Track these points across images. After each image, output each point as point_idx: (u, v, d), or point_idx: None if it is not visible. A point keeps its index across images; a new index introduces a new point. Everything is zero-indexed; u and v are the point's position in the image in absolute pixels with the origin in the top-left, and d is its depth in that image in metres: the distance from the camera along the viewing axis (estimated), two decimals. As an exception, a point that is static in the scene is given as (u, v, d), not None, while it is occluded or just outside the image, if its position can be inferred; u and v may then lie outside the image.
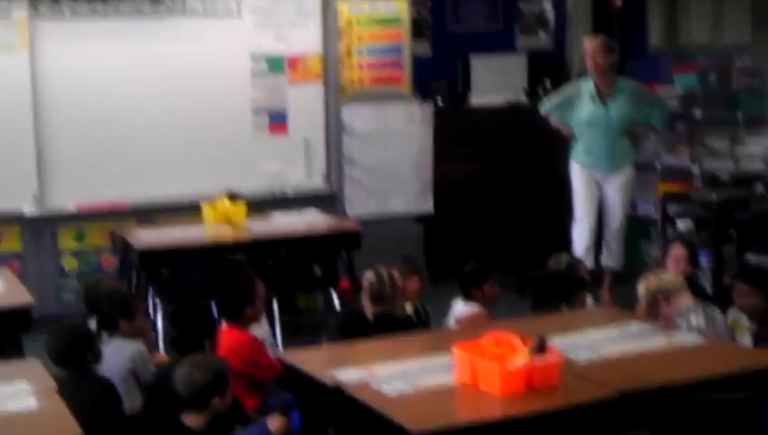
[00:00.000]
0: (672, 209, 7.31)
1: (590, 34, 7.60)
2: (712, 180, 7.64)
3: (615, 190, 7.27)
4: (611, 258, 7.34)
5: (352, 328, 4.80)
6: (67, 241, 7.52)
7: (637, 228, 8.22)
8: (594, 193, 7.30)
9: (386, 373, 3.90)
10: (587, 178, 7.31)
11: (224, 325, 5.10)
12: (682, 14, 8.58)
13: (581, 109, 7.22)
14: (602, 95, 7.14)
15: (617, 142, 7.21)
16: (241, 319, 5.07)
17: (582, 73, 7.48)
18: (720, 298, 5.77)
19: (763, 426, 3.89)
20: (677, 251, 5.96)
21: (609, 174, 7.24)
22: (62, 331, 4.48)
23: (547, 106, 7.49)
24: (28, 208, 7.35)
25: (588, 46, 7.19)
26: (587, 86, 7.21)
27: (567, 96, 7.37)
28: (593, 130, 7.19)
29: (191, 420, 3.96)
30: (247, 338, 5.03)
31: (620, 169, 7.25)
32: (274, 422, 4.49)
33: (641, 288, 5.11)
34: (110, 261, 7.43)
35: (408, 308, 5.34)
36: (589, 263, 6.88)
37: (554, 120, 7.45)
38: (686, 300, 4.99)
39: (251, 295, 5.12)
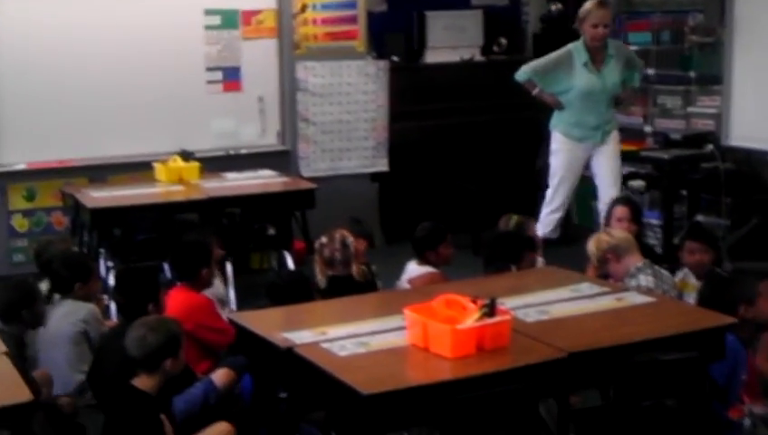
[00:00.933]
0: (624, 169, 7.34)
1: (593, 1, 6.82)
2: (664, 140, 7.64)
3: (608, 158, 6.90)
4: None
5: (292, 291, 4.77)
6: (17, 200, 7.47)
7: (589, 188, 8.27)
8: (577, 175, 6.94)
9: (338, 335, 3.90)
10: (574, 158, 6.87)
11: (177, 286, 5.10)
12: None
13: (575, 78, 6.73)
14: (596, 62, 6.73)
15: (608, 110, 6.89)
16: (195, 280, 5.07)
17: (544, 34, 7.28)
18: (670, 258, 5.85)
19: (708, 385, 3.98)
20: (619, 210, 5.93)
21: (600, 144, 6.87)
22: (7, 286, 4.65)
23: (527, 72, 6.89)
24: (-24, 166, 7.31)
25: (593, 14, 6.63)
26: (578, 53, 6.72)
27: (554, 63, 6.82)
28: (588, 101, 6.76)
29: (142, 382, 3.96)
30: (201, 300, 5.02)
31: (610, 136, 6.92)
32: (219, 376, 4.51)
33: (591, 246, 5.16)
34: (60, 221, 7.41)
35: (354, 269, 5.28)
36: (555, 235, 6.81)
37: (537, 91, 6.89)
38: (635, 259, 5.06)
39: (207, 256, 5.12)
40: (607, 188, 6.87)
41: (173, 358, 3.98)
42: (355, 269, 5.20)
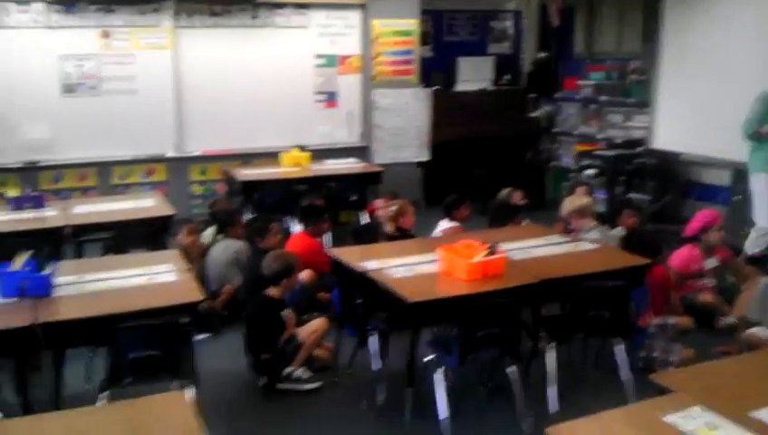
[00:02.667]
0: (583, 162, 7.26)
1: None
2: (610, 143, 7.56)
3: None
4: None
5: (366, 235, 4.78)
6: (195, 174, 7.57)
7: (559, 174, 8.21)
8: None
9: (394, 264, 3.92)
10: None
11: (300, 232, 5.16)
12: (597, 31, 8.45)
13: None
14: None
15: None
16: (312, 228, 5.12)
17: (534, 72, 6.96)
18: (611, 221, 5.79)
19: (630, 303, 3.97)
20: (581, 189, 5.88)
21: None
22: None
23: (751, 126, 5.47)
24: (170, 152, 7.42)
25: None
26: None
27: (759, 108, 5.46)
28: None
29: (272, 291, 4.07)
30: (314, 243, 5.07)
31: None
32: (304, 274, 4.55)
33: (566, 204, 5.04)
34: (221, 188, 7.47)
35: (391, 227, 5.08)
36: None
37: (766, 128, 5.45)
38: (590, 220, 4.95)
39: (320, 214, 5.15)
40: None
41: (287, 278, 4.05)
42: (407, 223, 5.13)
